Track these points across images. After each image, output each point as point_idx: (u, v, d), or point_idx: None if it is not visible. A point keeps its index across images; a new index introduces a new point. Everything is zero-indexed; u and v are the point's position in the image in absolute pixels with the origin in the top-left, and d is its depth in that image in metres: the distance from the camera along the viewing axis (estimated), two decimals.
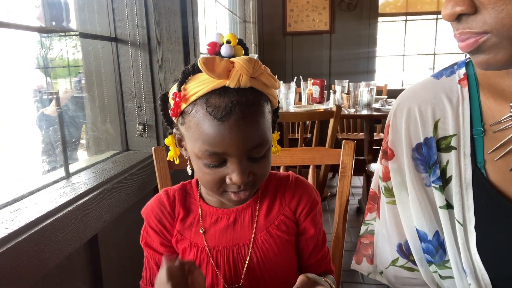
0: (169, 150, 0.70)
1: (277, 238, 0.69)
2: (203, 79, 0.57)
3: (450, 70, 0.65)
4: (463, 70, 0.63)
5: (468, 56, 0.64)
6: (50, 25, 1.04)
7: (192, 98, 0.58)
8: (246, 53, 0.63)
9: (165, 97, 0.67)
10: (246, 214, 0.70)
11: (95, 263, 0.96)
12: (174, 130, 0.67)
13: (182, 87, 0.59)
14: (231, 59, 0.57)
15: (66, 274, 0.86)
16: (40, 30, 1.03)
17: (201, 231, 0.70)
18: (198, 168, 0.62)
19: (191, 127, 0.59)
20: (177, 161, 0.71)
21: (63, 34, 1.21)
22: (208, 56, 0.57)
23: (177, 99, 0.59)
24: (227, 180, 0.60)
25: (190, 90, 0.58)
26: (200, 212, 0.71)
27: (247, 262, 0.68)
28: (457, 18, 0.47)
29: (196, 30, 1.74)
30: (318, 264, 0.76)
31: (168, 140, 0.68)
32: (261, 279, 0.69)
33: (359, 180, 3.48)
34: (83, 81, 1.32)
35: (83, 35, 1.21)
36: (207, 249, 0.69)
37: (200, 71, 0.57)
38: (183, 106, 0.59)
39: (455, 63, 0.66)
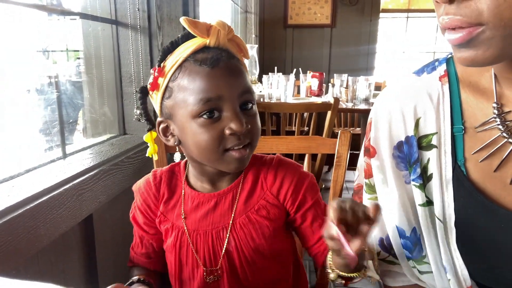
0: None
1: (256, 223, 0.68)
2: (182, 49, 0.62)
3: (431, 66, 0.65)
4: (443, 67, 0.63)
5: (450, 52, 0.62)
6: (51, 4, 1.03)
7: (175, 67, 0.62)
8: None
9: (145, 89, 0.68)
10: (227, 198, 0.70)
11: (89, 242, 0.97)
12: (158, 119, 0.68)
13: (162, 63, 0.64)
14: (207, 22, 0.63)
15: (60, 251, 0.87)
16: (40, 9, 1.02)
17: (182, 215, 0.71)
18: (194, 132, 0.62)
19: (181, 88, 0.61)
20: (155, 157, 0.72)
21: (63, 15, 1.20)
22: None
23: (156, 73, 0.63)
24: (227, 132, 0.60)
25: (169, 63, 0.63)
26: (183, 194, 0.72)
27: (225, 245, 0.69)
28: (450, 0, 0.43)
29: (197, 18, 1.74)
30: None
31: (147, 137, 0.70)
32: (239, 263, 0.69)
33: (353, 174, 3.50)
34: (81, 66, 1.32)
35: (83, 16, 1.20)
36: (187, 232, 0.70)
37: (177, 47, 0.63)
38: (164, 81, 0.63)
39: (436, 60, 0.65)
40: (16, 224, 0.68)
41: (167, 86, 0.63)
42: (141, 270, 0.77)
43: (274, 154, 0.75)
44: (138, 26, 1.25)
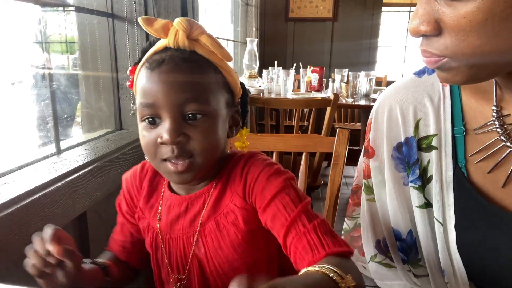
0: None
1: (224, 230, 0.62)
2: (151, 49, 0.60)
3: None
4: None
5: None
6: None
7: (139, 66, 0.60)
8: None
9: None
10: (198, 202, 0.65)
11: (83, 240, 0.96)
12: None
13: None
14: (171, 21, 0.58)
15: None
16: (34, 2, 1.00)
17: (158, 216, 0.68)
18: (140, 134, 0.60)
19: (137, 89, 0.60)
20: None
21: (58, 9, 1.18)
22: None
23: (129, 72, 0.63)
24: (158, 140, 0.56)
25: (141, 63, 0.60)
26: (162, 193, 0.70)
27: (191, 252, 0.65)
28: (422, 35, 0.48)
29: (196, 9, 1.71)
30: (297, 241, 0.54)
31: None
32: (208, 272, 0.65)
33: (353, 170, 3.49)
34: (77, 60, 1.30)
35: (79, 9, 1.18)
36: (160, 235, 0.68)
37: (154, 45, 0.60)
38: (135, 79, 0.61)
39: None
40: (6, 223, 0.67)
41: (136, 85, 0.62)
42: (111, 256, 0.73)
43: (272, 153, 0.72)
44: (135, 20, 1.23)
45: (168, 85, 0.55)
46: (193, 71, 0.57)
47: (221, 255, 0.63)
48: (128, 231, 0.75)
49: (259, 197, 0.60)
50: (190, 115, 0.56)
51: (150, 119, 0.57)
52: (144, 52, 0.62)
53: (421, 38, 0.49)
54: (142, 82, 0.57)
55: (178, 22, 0.56)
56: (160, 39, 0.60)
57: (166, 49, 0.58)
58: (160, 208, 0.69)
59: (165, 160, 0.58)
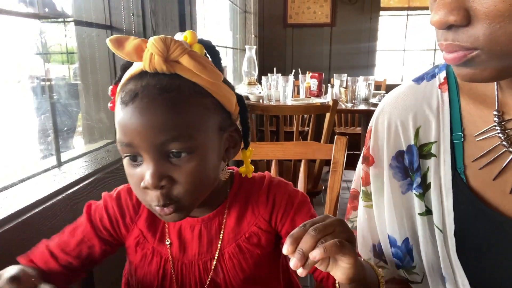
0: None
1: (247, 252, 0.62)
2: (131, 69, 0.52)
3: (431, 74, 0.64)
4: (443, 74, 0.62)
5: None
6: (43, 12, 1.02)
7: (118, 89, 0.53)
8: (214, 56, 0.56)
9: None
10: (212, 224, 0.62)
11: None
12: None
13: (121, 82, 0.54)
14: (146, 39, 0.50)
15: None
16: (34, 17, 1.01)
17: (167, 242, 0.63)
18: (125, 170, 0.54)
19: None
20: None
21: (58, 20, 1.19)
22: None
23: (110, 92, 0.56)
24: (142, 184, 0.50)
25: (120, 83, 0.53)
26: None
27: (209, 278, 0.62)
28: (447, 27, 0.44)
29: (194, 19, 1.73)
30: None
31: None
32: None
33: (353, 174, 3.48)
34: (77, 71, 1.31)
35: (77, 23, 1.19)
36: (171, 261, 0.63)
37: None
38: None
39: (436, 66, 0.65)
40: (7, 238, 0.68)
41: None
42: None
43: (271, 160, 0.72)
44: (133, 32, 1.24)
45: (144, 125, 0.48)
46: (172, 104, 0.49)
47: (242, 277, 0.63)
48: (87, 246, 0.63)
49: (289, 224, 0.62)
50: (173, 152, 0.50)
51: (131, 156, 0.52)
52: (124, 69, 0.54)
53: (442, 32, 0.45)
54: (118, 116, 0.51)
55: (152, 43, 0.48)
56: None
57: (142, 74, 0.50)
58: (168, 232, 0.64)
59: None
